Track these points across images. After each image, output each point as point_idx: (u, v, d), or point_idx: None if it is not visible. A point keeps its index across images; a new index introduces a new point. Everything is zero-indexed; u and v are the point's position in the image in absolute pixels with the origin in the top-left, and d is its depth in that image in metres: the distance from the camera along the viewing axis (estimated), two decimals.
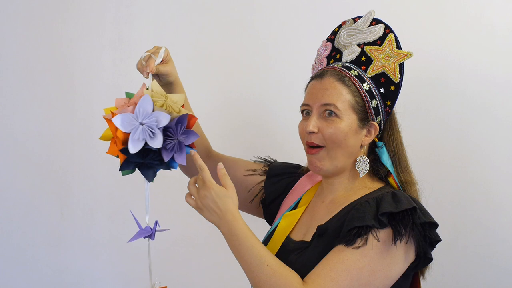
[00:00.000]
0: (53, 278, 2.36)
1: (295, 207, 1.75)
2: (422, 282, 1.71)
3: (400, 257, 1.56)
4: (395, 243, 1.52)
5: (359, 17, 1.75)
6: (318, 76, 1.68)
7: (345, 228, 1.54)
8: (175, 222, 2.31)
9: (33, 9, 2.34)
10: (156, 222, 1.59)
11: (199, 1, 2.29)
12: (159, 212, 2.20)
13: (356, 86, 1.65)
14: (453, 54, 2.12)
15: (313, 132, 1.63)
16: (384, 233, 1.53)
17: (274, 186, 1.83)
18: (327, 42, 1.79)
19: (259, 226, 1.91)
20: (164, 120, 1.51)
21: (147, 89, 1.57)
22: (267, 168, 1.86)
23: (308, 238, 1.63)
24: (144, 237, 1.58)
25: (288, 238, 1.68)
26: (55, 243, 2.36)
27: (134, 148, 1.50)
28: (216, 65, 2.28)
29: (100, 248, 2.35)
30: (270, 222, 1.84)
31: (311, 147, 1.65)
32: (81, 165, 2.34)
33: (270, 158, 1.92)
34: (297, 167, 1.85)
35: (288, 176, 1.83)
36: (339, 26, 1.78)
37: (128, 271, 2.32)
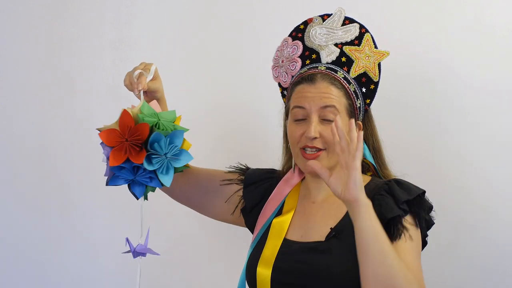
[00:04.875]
0: (53, 278, 2.36)
1: (279, 212, 1.73)
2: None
3: (420, 242, 1.62)
4: (420, 226, 1.58)
5: (327, 15, 1.75)
6: (308, 79, 1.66)
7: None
8: (175, 222, 2.32)
9: (33, 9, 2.34)
10: (147, 234, 1.58)
11: (199, 1, 2.29)
12: (158, 212, 2.21)
13: (346, 88, 1.67)
14: (453, 54, 2.12)
15: (315, 138, 1.63)
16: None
17: (252, 194, 1.79)
18: (294, 40, 1.77)
19: (245, 232, 1.89)
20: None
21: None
22: (243, 177, 1.84)
23: (315, 238, 1.62)
24: (127, 252, 1.58)
25: (286, 240, 1.66)
26: (55, 243, 2.36)
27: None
28: (216, 65, 2.28)
29: (100, 248, 2.35)
30: (252, 229, 1.80)
31: (311, 153, 1.64)
32: (81, 165, 2.34)
33: (241, 165, 1.89)
34: (272, 171, 1.84)
35: (264, 182, 1.80)
36: (305, 24, 1.77)
37: (128, 272, 2.32)
